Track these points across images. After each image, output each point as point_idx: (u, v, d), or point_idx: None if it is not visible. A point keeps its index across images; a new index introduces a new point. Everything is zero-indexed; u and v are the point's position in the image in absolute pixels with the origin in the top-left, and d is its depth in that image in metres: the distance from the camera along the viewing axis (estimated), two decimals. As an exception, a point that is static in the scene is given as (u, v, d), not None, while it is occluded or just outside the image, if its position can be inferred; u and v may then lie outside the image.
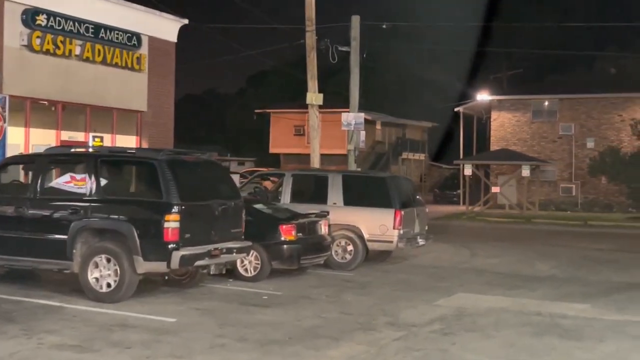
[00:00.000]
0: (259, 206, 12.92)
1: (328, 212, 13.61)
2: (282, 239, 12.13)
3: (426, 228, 15.58)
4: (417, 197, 15.60)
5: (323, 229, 13.09)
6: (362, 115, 21.40)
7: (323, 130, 43.49)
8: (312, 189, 14.83)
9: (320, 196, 14.37)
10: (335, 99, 55.94)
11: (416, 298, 11.25)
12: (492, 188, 33.37)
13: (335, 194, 14.24)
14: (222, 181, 11.30)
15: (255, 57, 65.51)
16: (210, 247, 10.22)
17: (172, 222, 9.68)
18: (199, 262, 10.08)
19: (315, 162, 20.73)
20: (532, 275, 14.29)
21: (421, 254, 16.66)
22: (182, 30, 21.63)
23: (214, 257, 10.27)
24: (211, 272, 10.65)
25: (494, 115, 37.62)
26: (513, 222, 28.16)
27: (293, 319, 9.47)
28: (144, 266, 9.84)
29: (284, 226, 12.16)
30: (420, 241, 14.84)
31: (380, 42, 64.96)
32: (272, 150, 48.48)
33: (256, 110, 51.13)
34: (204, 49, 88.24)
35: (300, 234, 12.34)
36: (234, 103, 69.90)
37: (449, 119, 50.01)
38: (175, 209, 9.70)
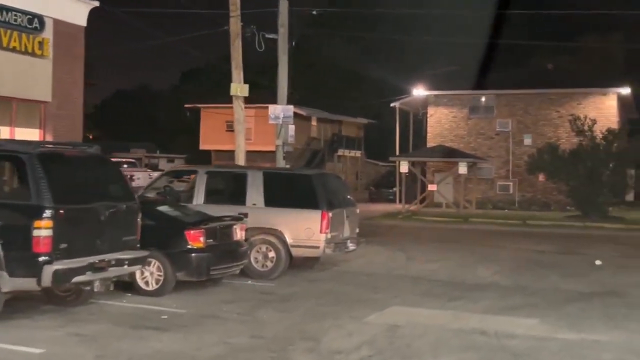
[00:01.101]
0: (163, 208, 11.19)
1: (246, 215, 11.99)
2: (189, 246, 10.44)
3: (357, 231, 14.08)
4: (348, 196, 14.08)
5: (239, 234, 11.44)
6: (291, 107, 19.81)
7: (259, 126, 42.02)
8: (229, 188, 13.18)
9: (238, 196, 12.73)
10: (271, 93, 54.48)
11: (344, 314, 9.73)
12: (429, 186, 32.27)
13: (255, 193, 12.61)
14: (112, 180, 9.53)
15: (190, 52, 63.64)
16: (94, 258, 8.47)
17: (43, 230, 7.93)
18: (78, 278, 8.33)
19: (240, 159, 19.03)
20: (473, 283, 12.95)
21: (353, 258, 15.16)
22: (112, 23, 19.60)
23: (98, 270, 8.55)
24: (95, 290, 8.84)
25: (431, 110, 36.57)
26: (450, 222, 27.02)
27: (192, 346, 7.81)
28: (9, 284, 8.07)
29: (191, 231, 10.47)
30: (351, 246, 13.33)
31: (318, 37, 63.96)
32: (203, 146, 46.48)
33: (186, 105, 49.10)
34: (136, 42, 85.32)
35: (211, 240, 10.67)
36: (167, 99, 67.66)
37: (386, 115, 48.90)
38: (47, 213, 7.94)
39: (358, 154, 53.89)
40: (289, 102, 46.38)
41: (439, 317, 9.80)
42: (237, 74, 19.60)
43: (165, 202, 11.96)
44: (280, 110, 19.64)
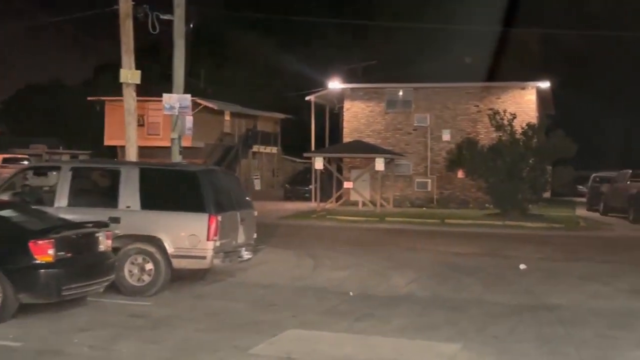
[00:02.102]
0: (5, 213, 9.02)
1: (118, 219, 9.97)
2: (34, 261, 8.36)
3: (255, 236, 12.21)
4: (244, 197, 12.20)
5: (104, 244, 9.39)
6: (188, 97, 17.70)
7: (166, 118, 39.49)
8: (98, 187, 11.07)
9: (109, 197, 10.67)
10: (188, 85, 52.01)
11: (226, 343, 7.88)
12: (345, 183, 30.70)
13: (129, 194, 10.56)
14: None
15: (104, 46, 60.50)
16: None
17: None
18: None
19: (131, 154, 16.88)
20: (386, 296, 11.29)
21: (253, 266, 13.31)
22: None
23: None
24: None
25: (347, 104, 35.01)
26: (366, 221, 25.46)
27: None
28: None
29: (37, 242, 8.40)
30: (246, 254, 11.46)
31: (234, 30, 61.76)
32: (108, 142, 43.63)
33: (89, 98, 46.23)
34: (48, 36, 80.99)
35: (64, 253, 8.61)
36: (80, 93, 64.45)
37: (304, 110, 47.24)
38: None
39: (274, 150, 52.05)
40: (199, 94, 44.06)
41: (344, 344, 8.06)
42: (128, 58, 17.51)
43: (12, 204, 9.77)
44: (175, 100, 17.50)
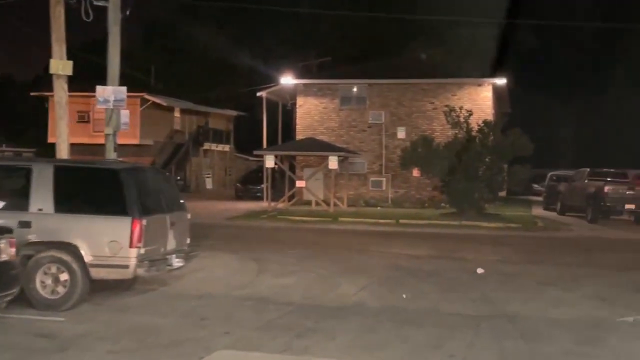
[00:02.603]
0: None
1: (29, 223, 8.77)
2: None
3: (188, 241, 11.05)
4: (177, 198, 11.05)
5: (6, 253, 8.16)
6: (123, 89, 16.43)
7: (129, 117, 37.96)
8: (6, 188, 9.78)
9: (19, 199, 9.42)
10: (130, 81, 50.32)
11: (140, 371, 6.75)
12: (297, 182, 29.64)
13: (42, 195, 9.33)
14: None
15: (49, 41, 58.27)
16: None
17: None
18: None
19: (62, 151, 15.59)
20: (334, 306, 10.26)
21: (189, 273, 12.18)
22: None
23: None
24: None
25: (300, 101, 33.94)
26: (318, 222, 24.44)
27: None
28: None
29: None
30: (177, 262, 10.30)
31: (186, 25, 60.19)
32: (52, 139, 41.52)
33: (32, 94, 44.43)
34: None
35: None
36: (29, 90, 62.25)
37: (258, 107, 46.09)
38: None
39: (227, 148, 50.79)
40: (149, 90, 42.37)
41: (279, 368, 7.01)
42: (59, 48, 16.17)
43: None
44: (110, 93, 16.24)
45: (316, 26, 64.67)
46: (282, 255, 15.62)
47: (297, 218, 25.04)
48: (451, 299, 10.87)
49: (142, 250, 9.24)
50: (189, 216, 11.11)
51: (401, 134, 32.10)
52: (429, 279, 12.82)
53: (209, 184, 48.13)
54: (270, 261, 14.50)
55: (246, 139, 53.53)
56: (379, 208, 30.54)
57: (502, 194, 33.84)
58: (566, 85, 58.33)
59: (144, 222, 9.21)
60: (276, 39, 62.75)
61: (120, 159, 16.43)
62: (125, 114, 16.80)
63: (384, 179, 32.87)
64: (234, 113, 50.78)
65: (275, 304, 10.20)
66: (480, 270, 13.66)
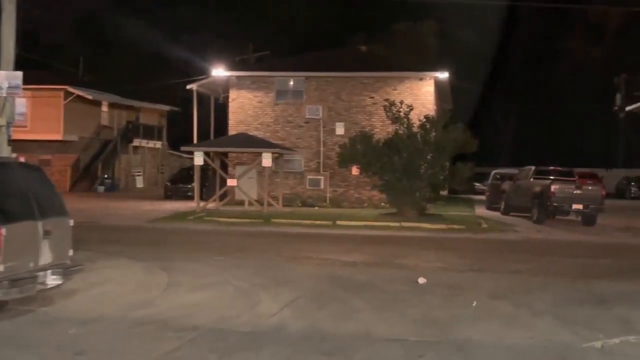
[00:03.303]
0: None
1: None
2: None
3: (70, 253, 9.11)
4: (57, 200, 9.09)
5: None
6: (19, 74, 14.33)
7: (36, 112, 35.34)
8: None
9: None
10: (56, 74, 47.59)
11: None
12: (228, 181, 27.68)
13: None
14: None
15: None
16: None
17: None
18: None
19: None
20: (248, 331, 8.47)
21: (83, 289, 10.28)
22: None
23: None
24: None
25: (233, 94, 31.97)
26: (249, 224, 22.62)
27: None
28: None
29: None
30: (52, 280, 8.40)
31: (117, 17, 57.46)
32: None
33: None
34: None
35: None
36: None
37: (192, 101, 43.95)
38: None
39: (159, 144, 48.35)
40: (77, 83, 39.61)
41: None
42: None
43: None
44: (4, 78, 14.15)
45: (256, 20, 62.82)
46: (202, 263, 13.77)
47: (226, 220, 23.15)
48: (388, 320, 9.21)
49: (2, 267, 7.28)
50: (71, 222, 9.14)
51: (340, 129, 30.51)
52: (364, 292, 11.15)
53: (139, 182, 45.66)
54: (185, 271, 12.65)
55: (181, 135, 51.19)
56: (316, 208, 28.92)
57: (444, 192, 32.67)
58: (508, 83, 57.84)
59: (3, 230, 7.25)
60: (214, 33, 60.65)
61: (15, 155, 14.33)
62: (21, 103, 14.78)
63: (322, 177, 31.23)
64: (166, 108, 48.40)
65: (176, 329, 8.36)
66: (422, 281, 12.11)
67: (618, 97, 52.08)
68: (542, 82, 56.18)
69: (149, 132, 46.69)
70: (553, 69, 55.86)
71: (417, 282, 12.07)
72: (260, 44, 55.12)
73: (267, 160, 26.07)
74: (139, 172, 46.10)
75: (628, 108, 43.95)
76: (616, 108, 52.56)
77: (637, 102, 43.01)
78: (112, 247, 15.89)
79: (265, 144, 27.81)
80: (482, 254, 16.85)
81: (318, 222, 22.74)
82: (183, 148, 29.23)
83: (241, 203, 28.51)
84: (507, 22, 60.39)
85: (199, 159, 26.46)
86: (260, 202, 27.27)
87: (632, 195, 44.78)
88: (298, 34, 57.12)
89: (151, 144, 46.83)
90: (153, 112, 48.77)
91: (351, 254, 15.89)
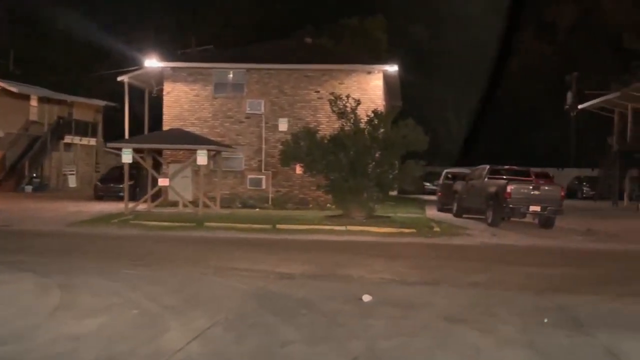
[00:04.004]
0: None
1: None
2: None
3: None
4: None
5: None
6: None
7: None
8: None
9: None
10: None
11: None
12: (159, 180, 25.49)
13: None
14: None
15: None
16: None
17: None
18: None
19: None
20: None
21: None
22: None
23: None
24: None
25: (168, 87, 29.77)
26: (180, 228, 20.53)
27: None
28: None
29: None
30: None
31: (51, 8, 54.47)
32: None
33: None
34: None
35: None
36: None
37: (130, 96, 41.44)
38: None
39: (93, 141, 45.68)
40: (7, 76, 36.44)
41: None
42: None
43: None
44: None
45: (199, 14, 60.52)
46: (110, 277, 11.69)
47: (155, 223, 21.01)
48: (323, 356, 7.33)
49: None
50: None
51: (283, 125, 28.61)
52: (298, 315, 9.26)
53: (72, 181, 42.99)
54: (85, 288, 10.59)
55: (119, 132, 48.70)
56: (257, 210, 26.98)
57: (393, 193, 31.06)
58: (459, 80, 56.73)
59: None
60: (156, 26, 58.15)
61: None
62: None
63: (264, 176, 29.29)
64: (102, 103, 45.78)
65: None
66: (367, 298, 10.29)
67: (569, 96, 51.47)
68: (493, 80, 55.19)
69: (83, 128, 44.05)
70: (504, 66, 54.88)
71: (362, 299, 10.25)
72: (205, 38, 52.96)
73: (202, 158, 23.98)
74: (72, 170, 43.40)
75: (580, 106, 43.18)
76: (567, 106, 51.95)
77: (589, 100, 42.30)
78: (13, 256, 13.75)
79: (200, 141, 25.70)
80: (435, 261, 15.13)
81: (256, 225, 20.77)
82: (109, 145, 26.98)
83: (176, 204, 26.38)
84: (459, 18, 59.44)
85: (127, 157, 24.23)
86: (195, 203, 25.17)
87: (584, 196, 43.98)
88: (243, 29, 55.09)
89: (85, 140, 44.18)
90: (88, 108, 46.10)
91: (290, 263, 13.99)
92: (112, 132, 48.68)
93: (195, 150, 24.47)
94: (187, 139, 25.67)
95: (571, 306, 10.23)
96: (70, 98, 43.42)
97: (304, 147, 22.83)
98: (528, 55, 57.36)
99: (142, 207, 25.48)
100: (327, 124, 27.22)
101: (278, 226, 20.58)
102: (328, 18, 51.64)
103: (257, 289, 10.99)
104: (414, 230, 20.33)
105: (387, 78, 30.13)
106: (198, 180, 25.63)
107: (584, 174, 49.50)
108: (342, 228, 20.44)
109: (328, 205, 26.42)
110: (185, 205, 25.44)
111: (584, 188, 45.56)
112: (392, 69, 29.27)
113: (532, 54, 57.46)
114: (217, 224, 21.06)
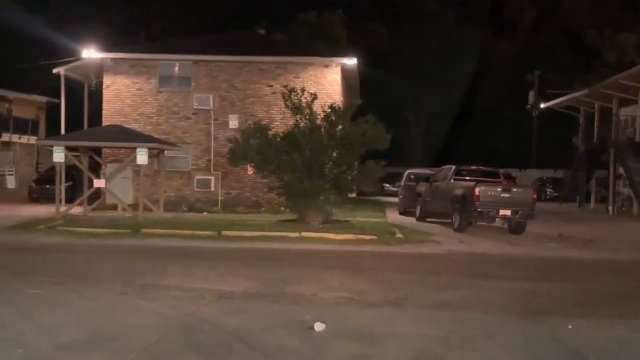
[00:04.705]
0: None
1: None
2: None
3: None
4: None
5: None
6: None
7: None
8: None
9: None
10: None
11: None
12: (95, 181, 23.16)
13: None
14: None
15: None
16: None
17: None
18: None
19: None
20: None
21: None
22: None
23: None
24: None
25: (107, 80, 27.43)
26: (114, 235, 18.30)
27: None
28: None
29: None
30: None
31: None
32: None
33: None
34: None
35: None
36: None
37: (77, 92, 38.79)
38: None
39: (34, 139, 42.85)
40: None
41: None
42: None
43: None
44: None
45: (152, 7, 58.02)
46: (4, 300, 9.53)
47: (85, 230, 18.73)
48: None
49: None
50: None
51: (233, 122, 26.52)
52: (230, 355, 7.25)
53: (10, 182, 40.16)
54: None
55: (61, 129, 45.97)
56: (204, 214, 24.89)
57: (352, 195, 29.23)
58: (418, 79, 55.28)
59: None
60: (105, 20, 55.46)
61: None
62: None
63: (213, 177, 27.16)
64: (44, 99, 42.96)
65: None
66: (320, 327, 8.36)
67: (531, 95, 50.37)
68: (453, 78, 53.86)
69: (23, 126, 41.23)
70: (465, 64, 53.59)
71: (314, 328, 8.31)
72: (156, 32, 50.64)
73: (142, 156, 21.76)
74: (11, 171, 40.58)
75: (545, 105, 41.95)
76: (529, 106, 50.85)
77: (551, 100, 41.10)
78: None
79: (141, 138, 23.45)
80: (399, 275, 13.22)
81: (200, 232, 18.65)
82: (38, 142, 24.56)
83: (115, 208, 24.10)
84: (418, 15, 58.05)
85: (58, 155, 21.91)
86: (135, 206, 22.92)
87: (547, 197, 42.70)
88: (196, 25, 52.77)
89: (24, 139, 41.34)
90: (29, 104, 43.24)
91: (231, 279, 11.97)
92: (56, 130, 46.02)
93: (134, 148, 22.22)
94: (127, 136, 23.39)
95: (568, 335, 8.42)
96: (9, 94, 40.60)
97: (255, 146, 20.78)
98: (489, 54, 56.12)
99: (77, 210, 23.18)
100: (281, 121, 25.26)
101: (224, 233, 18.49)
102: (284, 13, 49.70)
103: (184, 317, 8.93)
104: (374, 237, 18.41)
105: (345, 72, 28.26)
106: (139, 181, 23.37)
107: (547, 175, 48.38)
108: (296, 235, 18.45)
109: (282, 208, 24.47)
110: (124, 209, 23.17)
111: (547, 190, 44.34)
112: (351, 62, 27.40)
113: (493, 52, 56.25)
114: (156, 230, 18.87)
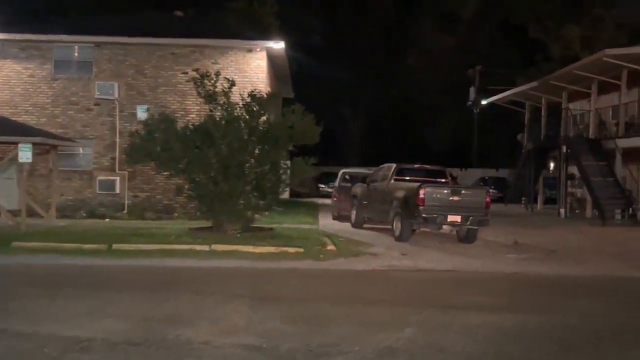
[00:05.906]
0: None
1: None
2: None
3: None
4: None
5: None
6: None
7: None
8: None
9: None
10: None
11: None
12: (-34, 183, 19.44)
13: None
14: None
15: None
16: None
17: None
18: None
19: None
20: None
21: None
22: None
23: None
24: None
25: (-5, 65, 23.67)
26: (-24, 250, 14.68)
27: None
28: None
29: None
30: None
31: None
32: None
33: None
34: None
35: None
36: None
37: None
38: None
39: None
40: None
41: None
42: None
43: None
44: None
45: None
46: None
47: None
48: None
49: None
50: None
51: (142, 114, 22.91)
52: None
53: None
54: None
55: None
56: (107, 220, 21.37)
57: (284, 196, 26.10)
58: (355, 73, 52.64)
59: None
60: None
61: None
62: None
63: (118, 178, 23.61)
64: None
65: None
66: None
67: (472, 91, 48.22)
68: (391, 73, 51.36)
69: None
70: (403, 59, 51.19)
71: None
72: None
73: (25, 153, 18.10)
74: None
75: (488, 100, 39.72)
76: (470, 102, 48.73)
77: (493, 96, 39.03)
78: None
79: (24, 131, 19.73)
80: (327, 305, 10.11)
81: (88, 246, 15.15)
82: None
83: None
84: (355, 7, 55.59)
85: None
86: (15, 212, 19.24)
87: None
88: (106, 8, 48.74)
89: None
90: None
91: (95, 317, 8.69)
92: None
93: (16, 143, 18.52)
94: (7, 129, 19.61)
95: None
96: None
97: (159, 139, 17.41)
98: (427, 48, 53.84)
99: (-53, 218, 19.36)
100: (197, 113, 21.99)
101: (116, 246, 15.05)
102: (212, 1, 46.28)
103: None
104: (301, 250, 15.27)
105: (273, 59, 25.10)
106: (32, 183, 19.67)
107: (489, 174, 46.31)
108: (205, 248, 15.17)
109: (198, 214, 21.13)
110: (7, 216, 19.45)
111: (491, 190, 42.10)
112: (278, 46, 24.21)
113: (432, 46, 53.98)
114: (32, 244, 15.28)
